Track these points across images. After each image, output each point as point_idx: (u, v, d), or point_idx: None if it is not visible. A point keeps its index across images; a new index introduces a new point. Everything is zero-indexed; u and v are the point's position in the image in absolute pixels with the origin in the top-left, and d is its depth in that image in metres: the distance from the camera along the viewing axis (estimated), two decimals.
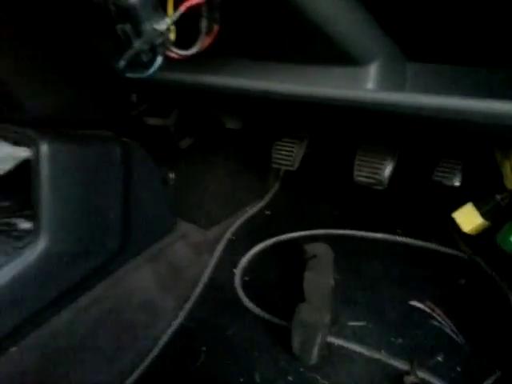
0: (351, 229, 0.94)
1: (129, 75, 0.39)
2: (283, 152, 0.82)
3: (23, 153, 0.67)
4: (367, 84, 0.53)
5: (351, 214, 0.98)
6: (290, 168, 0.81)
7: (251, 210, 1.05)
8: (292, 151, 0.81)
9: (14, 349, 0.63)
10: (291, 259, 0.89)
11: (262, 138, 1.01)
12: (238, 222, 1.01)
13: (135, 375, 0.71)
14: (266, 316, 0.79)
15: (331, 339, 0.74)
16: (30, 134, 0.64)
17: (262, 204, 1.07)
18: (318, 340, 0.67)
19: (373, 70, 0.53)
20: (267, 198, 1.08)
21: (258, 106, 0.78)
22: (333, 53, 0.51)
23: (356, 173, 0.77)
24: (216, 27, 0.40)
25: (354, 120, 0.68)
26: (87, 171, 0.68)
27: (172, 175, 0.91)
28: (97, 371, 0.69)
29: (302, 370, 0.71)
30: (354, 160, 0.78)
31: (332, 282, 0.76)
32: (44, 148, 0.63)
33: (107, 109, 0.71)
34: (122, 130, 0.76)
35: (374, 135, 0.74)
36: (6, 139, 0.68)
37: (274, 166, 0.83)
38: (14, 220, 0.67)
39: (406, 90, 0.53)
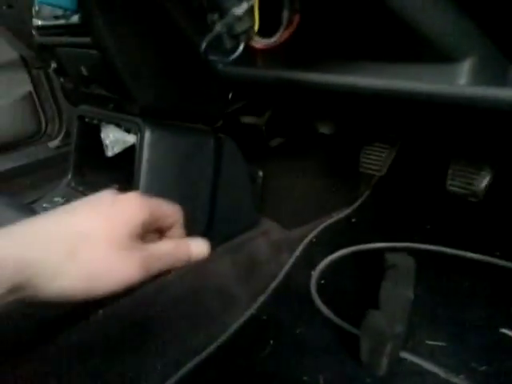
0: (442, 245, 0.88)
1: (211, 58, 0.43)
2: (372, 157, 0.81)
3: (131, 138, 0.76)
4: (460, 81, 0.51)
5: (444, 229, 0.92)
6: (378, 173, 0.80)
7: (337, 216, 1.05)
8: (381, 156, 0.79)
9: (100, 312, 0.71)
10: (370, 268, 0.87)
11: (354, 143, 1.00)
12: (322, 226, 1.02)
13: (204, 355, 0.75)
14: (337, 320, 0.78)
15: (404, 354, 0.70)
16: (138, 122, 0.73)
17: (348, 211, 1.06)
18: (388, 350, 0.65)
19: (467, 67, 0.50)
20: (355, 205, 1.07)
21: (350, 106, 0.79)
22: (427, 51, 0.50)
23: (449, 182, 0.73)
24: (297, 18, 0.42)
25: (447, 121, 0.65)
26: (182, 159, 0.75)
27: (260, 173, 0.96)
28: (169, 346, 0.74)
29: (368, 380, 0.69)
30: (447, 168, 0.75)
31: (411, 294, 0.73)
32: (147, 135, 0.72)
33: (206, 105, 0.78)
34: (217, 125, 0.82)
35: (469, 142, 0.70)
36: (119, 126, 0.79)
37: (362, 170, 0.82)
38: None
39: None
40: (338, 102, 0.76)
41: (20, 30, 0.94)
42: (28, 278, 0.30)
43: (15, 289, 0.30)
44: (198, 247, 0.40)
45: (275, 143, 0.93)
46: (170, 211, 0.39)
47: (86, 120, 0.86)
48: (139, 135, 0.72)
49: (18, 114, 1.15)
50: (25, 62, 1.13)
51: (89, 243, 0.32)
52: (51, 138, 1.22)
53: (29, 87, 1.16)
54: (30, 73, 1.16)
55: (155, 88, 0.69)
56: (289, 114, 0.91)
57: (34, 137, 1.19)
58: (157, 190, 0.72)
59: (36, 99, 1.18)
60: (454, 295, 0.79)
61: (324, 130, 1.03)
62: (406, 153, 0.82)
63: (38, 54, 0.92)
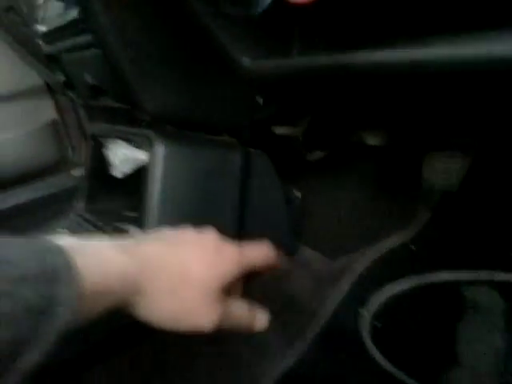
0: None
1: (229, 11, 0.32)
2: (438, 167, 0.65)
3: (143, 156, 0.66)
4: None
5: None
6: (448, 189, 0.64)
7: (391, 242, 0.89)
8: (451, 167, 0.64)
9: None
10: (440, 307, 0.70)
11: (411, 154, 0.85)
12: (373, 255, 0.86)
13: None
14: (401, 376, 0.62)
15: None
16: (148, 134, 0.62)
17: (405, 236, 0.90)
18: None
19: None
20: (414, 229, 0.90)
21: (408, 104, 0.64)
22: None
23: None
24: None
25: None
26: (202, 178, 0.63)
27: (298, 194, 0.82)
28: None
29: None
30: None
31: (501, 343, 0.56)
32: (160, 149, 0.61)
33: (230, 112, 0.66)
34: (245, 137, 0.70)
35: None
36: (127, 141, 0.69)
37: (425, 186, 0.67)
38: (120, 224, 0.66)
39: None
40: (392, 99, 0.63)
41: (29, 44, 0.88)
42: (134, 299, 0.34)
43: (121, 304, 0.34)
44: (261, 320, 0.45)
45: (315, 157, 0.79)
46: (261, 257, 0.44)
47: (100, 140, 0.77)
48: (151, 150, 0.61)
49: (42, 141, 1.11)
50: (49, 88, 1.10)
51: (189, 284, 0.36)
52: (77, 166, 1.17)
53: (53, 114, 1.12)
54: (54, 98, 1.13)
55: (168, 91, 0.58)
56: (331, 123, 0.78)
57: (58, 165, 1.14)
58: (171, 215, 0.61)
59: (61, 126, 1.14)
60: None
61: (373, 141, 0.89)
62: (484, 162, 0.67)
63: (48, 66, 0.86)
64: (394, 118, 0.80)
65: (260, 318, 0.45)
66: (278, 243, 0.74)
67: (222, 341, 0.67)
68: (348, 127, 0.80)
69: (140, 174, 0.66)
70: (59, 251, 0.30)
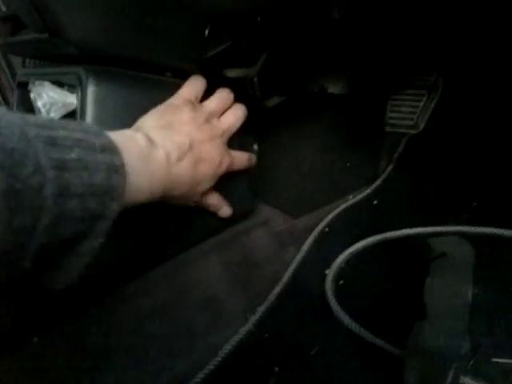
0: (498, 226, 0.69)
1: None
2: (402, 108, 0.61)
3: (73, 99, 0.57)
4: None
5: (499, 205, 0.72)
6: (412, 131, 0.61)
7: (354, 198, 0.86)
8: (417, 106, 0.59)
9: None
10: (406, 261, 0.67)
11: (374, 102, 0.81)
12: (336, 212, 0.82)
13: None
14: (366, 335, 0.59)
15: (464, 380, 0.51)
16: (78, 71, 0.54)
17: (368, 191, 0.86)
18: (450, 379, 0.45)
19: None
20: (377, 183, 0.87)
21: (372, 40, 0.59)
22: None
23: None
24: None
25: None
26: None
27: (255, 146, 0.76)
28: (137, 378, 0.55)
29: None
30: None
31: (470, 293, 0.53)
32: (91, 89, 0.53)
33: (173, 47, 0.58)
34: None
35: None
36: (56, 83, 0.59)
37: (388, 129, 0.63)
38: None
39: None
40: (355, 38, 0.57)
41: None
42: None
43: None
44: (227, 211, 0.67)
45: (272, 103, 0.73)
46: None
47: (28, 86, 0.67)
48: (80, 90, 0.53)
49: None
50: None
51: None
52: None
53: None
54: None
55: (95, 15, 0.49)
56: (287, 63, 0.71)
57: None
58: None
59: None
60: None
61: (335, 89, 0.84)
62: (451, 100, 0.63)
63: None
64: (356, 59, 0.75)
65: (226, 209, 0.64)
66: (233, 199, 0.69)
67: (175, 306, 0.62)
68: (306, 70, 0.74)
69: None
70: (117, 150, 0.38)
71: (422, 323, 0.49)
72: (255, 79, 0.65)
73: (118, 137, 0.41)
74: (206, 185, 0.54)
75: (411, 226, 0.74)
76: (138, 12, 0.50)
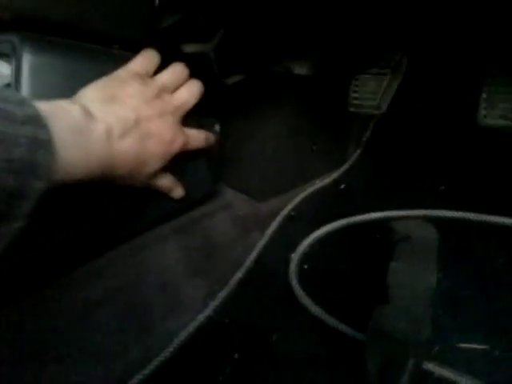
0: (464, 210, 0.67)
1: None
2: (366, 88, 0.59)
3: (8, 70, 0.52)
4: None
5: (465, 189, 0.71)
6: (375, 111, 0.58)
7: (320, 182, 0.83)
8: (380, 85, 0.57)
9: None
10: (370, 246, 0.66)
11: (339, 82, 0.78)
12: (302, 196, 0.80)
13: (139, 377, 0.52)
14: (329, 320, 0.57)
15: (428, 366, 0.49)
16: (12, 39, 0.49)
17: (335, 175, 0.84)
18: (410, 365, 0.44)
19: None
20: (344, 167, 0.85)
21: (335, 19, 0.56)
22: None
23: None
24: None
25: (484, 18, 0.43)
26: None
27: (217, 126, 0.72)
28: (87, 371, 0.51)
29: None
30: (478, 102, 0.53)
31: (434, 278, 0.52)
32: (27, 58, 0.48)
33: (120, 16, 0.54)
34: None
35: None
36: None
37: (352, 109, 0.60)
38: None
39: None
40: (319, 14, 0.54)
41: None
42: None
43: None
44: (179, 191, 0.63)
45: (232, 81, 0.70)
46: None
47: None
48: (14, 60, 0.48)
49: None
50: None
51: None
52: None
53: None
54: None
55: None
56: (248, 39, 0.67)
57: None
58: None
59: None
60: (488, 276, 0.58)
61: (300, 70, 0.81)
62: (415, 79, 0.61)
63: None
64: (322, 39, 0.72)
65: (178, 191, 0.60)
66: (190, 181, 0.65)
67: (129, 291, 0.58)
68: (268, 48, 0.71)
69: None
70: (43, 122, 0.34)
71: (384, 307, 0.47)
72: (212, 54, 0.61)
73: (48, 107, 0.37)
74: (155, 165, 0.51)
75: (377, 211, 0.72)
76: None
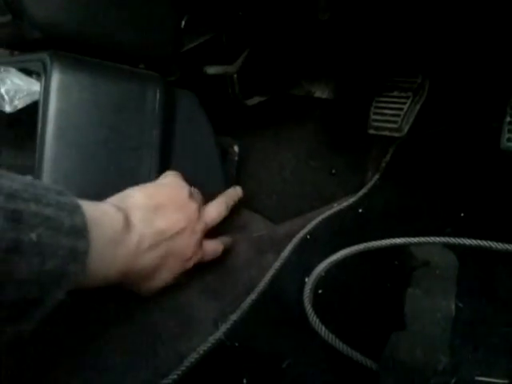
0: (485, 238, 0.66)
1: None
2: (386, 111, 0.59)
3: (38, 87, 0.54)
4: None
5: (486, 216, 0.70)
6: (396, 134, 0.58)
7: (338, 206, 0.83)
8: (401, 109, 0.57)
9: None
10: (387, 271, 0.65)
11: (360, 107, 0.79)
12: (319, 219, 0.79)
13: None
14: (342, 347, 0.55)
15: None
16: (43, 57, 0.51)
17: (353, 199, 0.84)
18: None
19: None
20: (362, 192, 0.85)
21: (358, 44, 0.57)
22: None
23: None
24: None
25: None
26: (108, 114, 0.53)
27: (236, 147, 0.74)
28: None
29: None
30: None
31: (452, 306, 0.51)
32: (56, 76, 0.50)
33: (146, 37, 0.56)
34: (170, 72, 0.61)
35: None
36: (21, 70, 0.57)
37: (372, 131, 0.61)
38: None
39: None
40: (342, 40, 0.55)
41: None
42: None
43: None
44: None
45: (252, 102, 0.71)
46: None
47: None
48: (44, 77, 0.51)
49: None
50: None
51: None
52: None
53: None
54: None
55: (67, 6, 0.47)
56: (271, 62, 0.69)
57: None
58: (69, 159, 0.50)
59: None
60: (509, 307, 0.57)
61: (321, 94, 0.82)
62: (437, 102, 0.61)
63: None
64: (343, 62, 0.73)
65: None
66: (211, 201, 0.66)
67: (141, 311, 0.58)
68: (289, 71, 0.72)
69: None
70: (85, 233, 0.34)
71: (399, 334, 0.46)
72: (235, 77, 0.63)
73: (95, 212, 0.37)
74: (165, 281, 0.52)
75: (396, 236, 0.71)
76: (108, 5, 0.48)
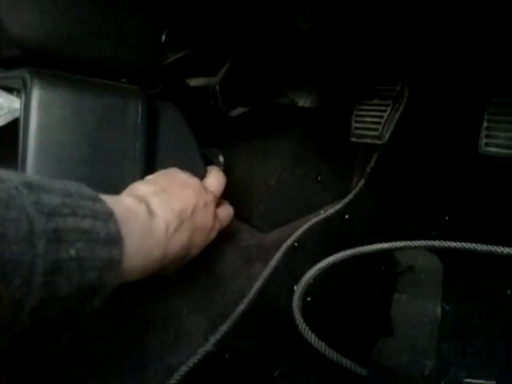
0: (469, 241, 0.67)
1: None
2: (367, 118, 0.60)
3: (19, 105, 0.54)
4: None
5: (469, 219, 0.71)
6: (377, 141, 0.59)
7: (325, 213, 0.83)
8: (381, 116, 0.58)
9: None
10: (374, 276, 0.65)
11: (344, 116, 0.80)
12: (306, 226, 0.80)
13: None
14: (332, 354, 0.56)
15: None
16: (23, 74, 0.51)
17: (339, 205, 0.84)
18: None
19: None
20: (348, 198, 0.85)
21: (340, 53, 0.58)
22: None
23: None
24: None
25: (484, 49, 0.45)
26: (90, 130, 0.52)
27: (221, 157, 0.74)
28: None
29: None
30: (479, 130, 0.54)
31: (439, 310, 0.51)
32: (36, 93, 0.50)
33: (128, 49, 0.56)
34: (151, 85, 0.61)
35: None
36: (8, 90, 0.56)
37: (353, 139, 0.61)
38: None
39: None
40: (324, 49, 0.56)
41: None
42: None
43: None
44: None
45: (236, 113, 0.71)
46: None
47: None
48: (24, 94, 0.50)
49: None
50: None
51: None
52: None
53: None
54: None
55: (38, 12, 0.47)
56: (252, 73, 0.70)
57: None
58: (51, 175, 0.50)
59: None
60: (495, 308, 0.58)
61: (305, 102, 0.83)
62: (416, 109, 0.62)
63: None
64: (325, 71, 0.74)
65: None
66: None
67: (128, 323, 0.58)
68: (272, 81, 0.73)
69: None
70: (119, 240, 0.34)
71: (387, 339, 0.46)
72: (217, 88, 0.63)
73: (121, 211, 0.37)
74: (195, 254, 0.53)
75: (382, 241, 0.71)
76: (85, 9, 0.48)
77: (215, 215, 0.55)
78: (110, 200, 0.37)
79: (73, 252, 0.29)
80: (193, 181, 0.53)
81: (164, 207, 0.45)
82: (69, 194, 0.32)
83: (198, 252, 0.53)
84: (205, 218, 0.52)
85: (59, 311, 0.30)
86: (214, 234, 0.55)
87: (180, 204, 0.48)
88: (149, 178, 0.52)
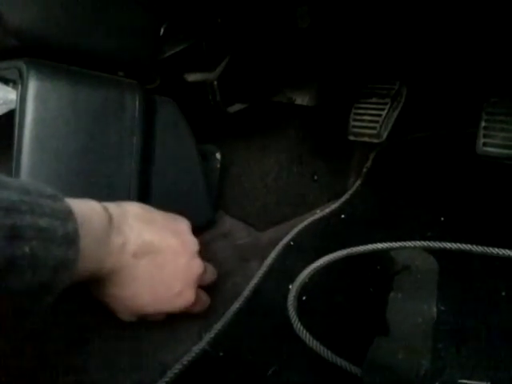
0: (465, 242, 0.67)
1: None
2: (365, 117, 0.60)
3: (14, 96, 0.54)
4: None
5: (465, 220, 0.71)
6: (375, 140, 0.59)
7: (321, 212, 0.84)
8: (379, 115, 0.58)
9: None
10: (370, 276, 0.65)
11: (342, 116, 0.80)
12: (302, 226, 0.80)
13: None
14: (326, 353, 0.56)
15: None
16: (19, 65, 0.51)
17: (335, 205, 0.85)
18: None
19: None
20: (344, 197, 0.86)
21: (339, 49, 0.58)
22: None
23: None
24: None
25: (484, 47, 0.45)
26: (86, 122, 0.52)
27: (218, 154, 0.74)
28: None
29: None
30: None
31: (434, 310, 0.51)
32: (33, 84, 0.50)
33: (126, 43, 0.56)
34: (149, 79, 0.60)
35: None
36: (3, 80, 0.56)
37: (351, 137, 0.61)
38: None
39: None
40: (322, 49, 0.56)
41: None
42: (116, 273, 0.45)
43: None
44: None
45: (234, 109, 0.71)
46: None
47: None
48: (21, 85, 0.50)
49: None
50: None
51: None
52: None
53: None
54: None
55: (36, 2, 0.46)
56: (251, 69, 0.70)
57: None
58: (47, 168, 0.50)
59: None
60: (490, 309, 0.58)
61: (302, 101, 0.83)
62: (415, 108, 0.62)
63: None
64: (324, 69, 0.74)
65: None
66: (193, 210, 0.66)
67: (121, 321, 0.57)
68: (270, 78, 0.73)
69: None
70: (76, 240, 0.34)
71: (382, 339, 0.46)
72: (215, 84, 0.63)
73: (84, 211, 0.38)
74: (147, 307, 0.51)
75: (378, 241, 0.72)
76: (84, 0, 0.48)
77: (193, 291, 0.52)
78: (75, 200, 0.37)
79: (27, 249, 0.29)
80: (190, 239, 0.52)
81: (132, 229, 0.44)
82: (27, 191, 0.32)
83: (151, 309, 0.51)
84: (176, 272, 0.49)
85: (9, 308, 0.30)
86: (177, 305, 0.52)
87: (152, 237, 0.46)
88: (152, 208, 0.51)
